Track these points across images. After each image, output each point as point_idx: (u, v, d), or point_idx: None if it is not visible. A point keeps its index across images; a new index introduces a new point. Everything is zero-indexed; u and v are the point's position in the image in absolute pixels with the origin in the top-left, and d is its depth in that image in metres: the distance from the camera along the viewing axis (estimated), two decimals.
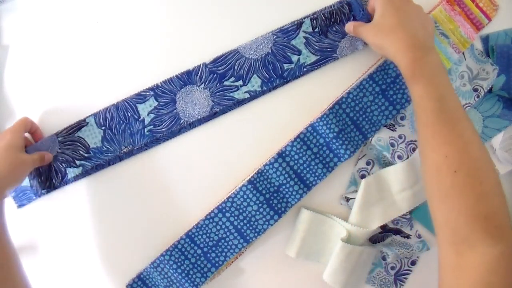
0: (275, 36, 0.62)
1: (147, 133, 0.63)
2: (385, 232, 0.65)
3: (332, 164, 0.62)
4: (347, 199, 0.64)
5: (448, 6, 0.63)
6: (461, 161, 0.48)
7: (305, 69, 0.63)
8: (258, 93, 0.63)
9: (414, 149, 0.62)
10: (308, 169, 0.62)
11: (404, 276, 0.66)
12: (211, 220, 0.63)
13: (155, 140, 0.64)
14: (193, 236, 0.64)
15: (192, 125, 0.64)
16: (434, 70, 0.52)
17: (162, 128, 0.62)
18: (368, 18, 0.62)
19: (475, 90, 0.63)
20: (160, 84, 0.63)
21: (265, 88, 0.63)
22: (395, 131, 0.62)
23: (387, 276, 0.66)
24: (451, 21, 0.63)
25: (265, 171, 0.62)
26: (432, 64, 0.52)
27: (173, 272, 0.64)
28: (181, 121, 0.63)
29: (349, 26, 0.61)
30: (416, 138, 0.62)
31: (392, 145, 0.62)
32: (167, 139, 0.65)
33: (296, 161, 0.62)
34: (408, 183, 0.62)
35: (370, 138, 0.63)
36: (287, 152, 0.62)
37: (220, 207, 0.63)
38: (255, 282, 0.67)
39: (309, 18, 0.62)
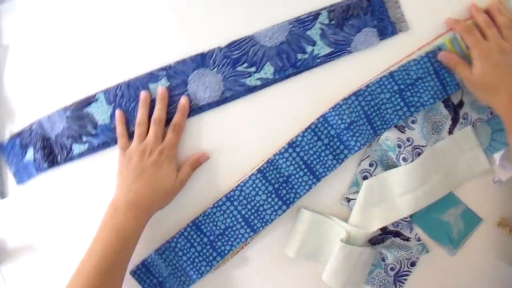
0: (291, 26, 0.62)
1: None
2: (384, 234, 0.65)
3: (342, 156, 0.62)
4: (348, 200, 0.64)
5: None
6: None
7: (318, 61, 0.63)
8: (270, 81, 0.63)
9: (419, 154, 0.61)
10: (318, 160, 0.62)
11: (403, 277, 0.66)
12: (218, 209, 0.63)
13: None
14: (199, 224, 0.63)
15: (201, 108, 0.63)
16: None
17: (172, 109, 0.62)
18: (387, 15, 0.62)
19: (490, 107, 0.63)
20: (173, 65, 0.62)
21: (277, 77, 0.63)
22: (404, 133, 0.62)
23: (386, 277, 0.65)
24: None
25: (275, 160, 0.62)
26: None
27: (178, 259, 0.63)
28: (191, 104, 0.62)
29: (446, 57, 0.61)
30: (424, 144, 0.62)
31: (399, 146, 0.61)
32: None
33: (306, 152, 0.62)
34: (410, 187, 0.62)
35: (378, 137, 0.62)
36: (297, 143, 0.61)
37: (229, 195, 0.62)
38: (254, 281, 0.66)
39: (326, 10, 0.62)
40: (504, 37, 0.59)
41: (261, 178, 0.62)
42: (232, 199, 0.62)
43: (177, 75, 0.62)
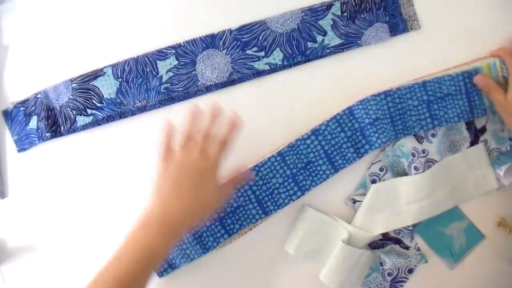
0: (303, 14, 0.63)
1: (163, 91, 0.63)
2: (385, 240, 0.64)
3: (362, 151, 0.61)
4: (354, 201, 0.63)
5: None
6: None
7: (328, 51, 0.63)
8: (278, 67, 0.63)
9: (430, 167, 0.61)
10: (338, 151, 0.61)
11: (400, 284, 0.64)
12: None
13: (170, 99, 0.64)
14: None
15: (208, 88, 0.63)
16: None
17: (178, 88, 0.62)
18: (400, 12, 0.62)
19: (511, 139, 0.63)
20: (182, 44, 0.63)
21: (286, 63, 0.63)
22: (422, 144, 0.62)
23: (383, 282, 0.64)
24: None
25: (296, 145, 0.61)
26: None
27: None
28: (199, 83, 0.63)
29: (483, 81, 0.61)
30: (438, 159, 0.61)
31: (413, 155, 0.61)
32: (182, 100, 0.64)
33: (328, 141, 0.61)
34: (417, 197, 0.61)
35: (395, 141, 0.62)
36: (320, 131, 0.61)
37: None
38: (252, 277, 0.65)
39: (339, 1, 0.63)
40: None
41: (280, 161, 0.61)
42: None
43: (186, 54, 0.63)
